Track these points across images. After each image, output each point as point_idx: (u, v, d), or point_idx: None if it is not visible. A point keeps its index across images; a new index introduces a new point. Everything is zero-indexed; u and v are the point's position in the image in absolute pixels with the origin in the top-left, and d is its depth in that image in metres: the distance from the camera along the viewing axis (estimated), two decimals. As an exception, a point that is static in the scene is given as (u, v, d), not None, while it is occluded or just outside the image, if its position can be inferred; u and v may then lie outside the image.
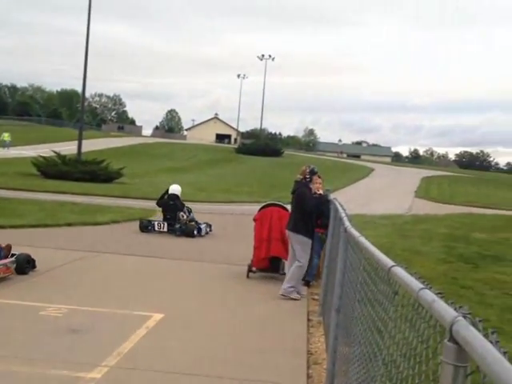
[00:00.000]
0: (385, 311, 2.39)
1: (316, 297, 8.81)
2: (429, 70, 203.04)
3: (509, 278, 10.58)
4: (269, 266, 10.03)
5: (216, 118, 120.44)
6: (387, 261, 2.25)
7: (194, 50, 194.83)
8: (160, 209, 15.12)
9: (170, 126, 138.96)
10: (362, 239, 3.19)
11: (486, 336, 1.21)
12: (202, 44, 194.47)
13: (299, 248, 8.73)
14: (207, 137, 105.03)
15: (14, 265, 8.59)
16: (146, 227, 14.60)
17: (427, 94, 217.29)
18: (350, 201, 32.25)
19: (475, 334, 1.20)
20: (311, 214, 8.80)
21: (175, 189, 15.06)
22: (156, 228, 14.58)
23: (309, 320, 7.53)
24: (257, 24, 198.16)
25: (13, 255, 8.72)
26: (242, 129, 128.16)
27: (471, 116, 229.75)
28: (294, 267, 8.66)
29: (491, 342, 1.17)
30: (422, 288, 1.61)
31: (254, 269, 10.01)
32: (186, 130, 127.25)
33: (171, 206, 14.78)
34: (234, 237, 15.37)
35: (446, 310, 1.38)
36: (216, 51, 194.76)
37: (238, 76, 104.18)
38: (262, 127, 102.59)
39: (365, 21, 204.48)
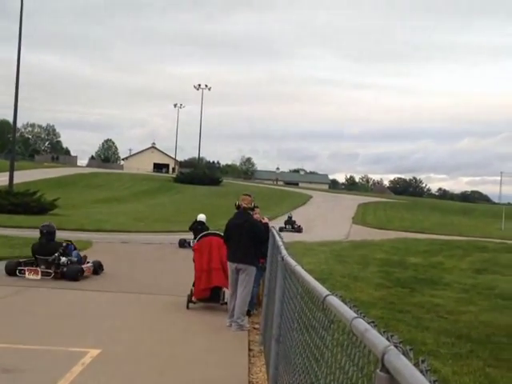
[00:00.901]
0: (321, 340, 2.40)
1: (257, 326, 8.76)
2: (362, 98, 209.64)
3: (443, 301, 10.89)
4: (209, 296, 9.92)
5: (153, 147, 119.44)
6: (322, 290, 2.26)
7: (131, 80, 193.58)
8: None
9: (107, 155, 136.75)
10: (299, 268, 3.20)
11: (416, 364, 1.23)
12: (138, 74, 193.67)
13: (247, 279, 8.62)
14: (145, 166, 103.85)
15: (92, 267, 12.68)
16: None
17: (363, 122, 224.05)
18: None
19: (405, 363, 1.21)
20: (262, 243, 8.71)
21: (202, 217, 19.22)
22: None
23: (250, 350, 7.47)
24: (193, 53, 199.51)
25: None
26: (181, 158, 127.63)
27: (404, 144, 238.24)
28: (242, 299, 8.54)
29: (422, 371, 1.19)
30: (356, 317, 1.63)
31: (194, 299, 9.88)
32: (123, 159, 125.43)
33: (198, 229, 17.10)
34: (174, 266, 15.15)
35: (378, 339, 1.39)
36: (152, 81, 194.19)
37: (175, 105, 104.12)
38: (201, 156, 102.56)
39: (298, 51, 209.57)
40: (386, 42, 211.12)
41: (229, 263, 8.79)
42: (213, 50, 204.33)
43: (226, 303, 9.80)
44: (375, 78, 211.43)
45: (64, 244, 12.41)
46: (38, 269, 11.82)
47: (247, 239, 8.57)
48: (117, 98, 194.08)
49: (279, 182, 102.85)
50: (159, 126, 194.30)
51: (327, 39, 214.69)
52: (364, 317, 1.69)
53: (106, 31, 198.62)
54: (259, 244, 8.70)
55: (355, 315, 1.65)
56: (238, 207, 8.94)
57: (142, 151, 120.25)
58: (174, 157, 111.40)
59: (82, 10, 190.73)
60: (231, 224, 8.85)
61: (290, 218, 34.40)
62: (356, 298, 11.87)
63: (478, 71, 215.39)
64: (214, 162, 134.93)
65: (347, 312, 1.74)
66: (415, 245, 24.55)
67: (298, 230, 32.87)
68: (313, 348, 2.62)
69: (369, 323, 1.57)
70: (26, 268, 11.83)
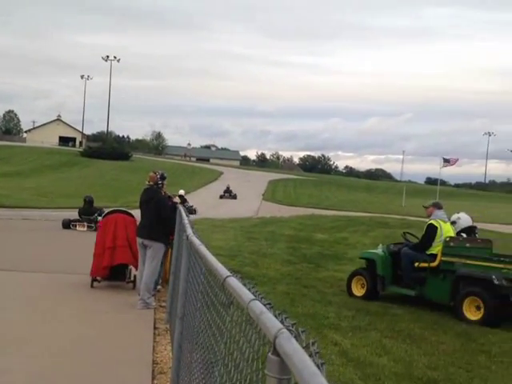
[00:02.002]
0: (222, 320, 2.40)
1: (163, 304, 8.71)
2: (275, 75, 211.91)
3: (346, 275, 11.29)
4: (110, 274, 9.70)
5: (59, 119, 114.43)
6: (223, 270, 2.26)
7: (34, 48, 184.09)
8: None
9: (8, 127, 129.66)
10: (202, 248, 3.18)
11: (307, 347, 1.25)
12: (43, 42, 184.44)
13: (153, 255, 8.62)
14: (49, 139, 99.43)
15: None
16: None
17: (275, 99, 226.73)
18: (199, 204, 32.48)
19: (295, 347, 1.22)
20: (170, 221, 8.76)
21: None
22: None
23: (155, 328, 7.42)
24: (101, 24, 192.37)
25: None
26: (89, 131, 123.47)
27: (315, 122, 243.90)
28: (147, 276, 8.50)
29: (311, 354, 1.20)
30: (253, 299, 1.63)
31: (98, 278, 9.65)
32: (26, 132, 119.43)
33: None
34: (78, 244, 14.71)
35: (271, 323, 1.40)
36: (58, 50, 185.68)
37: (82, 77, 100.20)
38: (110, 130, 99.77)
39: (212, 26, 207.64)
40: (301, 21, 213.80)
41: (137, 238, 8.89)
42: (124, 22, 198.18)
43: (133, 281, 9.68)
44: (288, 55, 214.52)
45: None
46: (85, 223, 18.15)
47: (153, 215, 8.68)
48: (19, 66, 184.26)
49: (192, 158, 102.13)
50: (66, 98, 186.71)
51: (243, 15, 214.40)
52: (262, 298, 1.69)
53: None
54: (165, 221, 8.72)
55: (252, 297, 1.65)
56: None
57: (47, 124, 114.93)
58: (81, 130, 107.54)
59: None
60: (140, 200, 9.02)
61: (228, 187, 43.65)
62: (263, 274, 12.08)
63: (387, 53, 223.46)
64: (123, 137, 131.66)
65: (245, 294, 1.74)
66: (322, 221, 25.27)
67: (235, 197, 42.09)
68: (214, 328, 2.62)
69: (265, 305, 1.57)
70: (76, 223, 18.31)
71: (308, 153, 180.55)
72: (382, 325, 8.36)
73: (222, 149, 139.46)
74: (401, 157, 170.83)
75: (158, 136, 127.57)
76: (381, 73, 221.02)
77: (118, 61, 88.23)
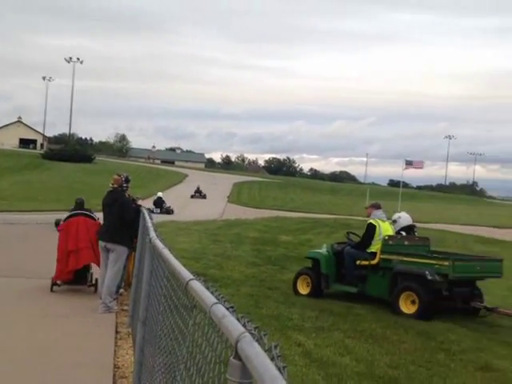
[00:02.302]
0: (185, 324, 2.37)
1: (126, 307, 8.59)
2: (241, 79, 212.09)
3: (309, 277, 11.34)
4: (74, 278, 9.54)
5: (19, 121, 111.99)
6: (186, 274, 2.23)
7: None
8: None
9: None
10: (165, 251, 3.15)
11: (269, 350, 1.24)
12: (3, 43, 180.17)
13: (116, 259, 8.54)
14: (9, 141, 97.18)
15: None
16: None
17: (241, 102, 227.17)
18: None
19: (257, 350, 1.21)
20: (134, 224, 8.66)
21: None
22: None
23: (117, 332, 7.32)
24: (64, 26, 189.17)
25: None
26: (51, 134, 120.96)
27: (280, 124, 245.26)
28: (109, 280, 8.40)
29: (273, 357, 1.19)
30: (215, 303, 1.61)
31: (58, 282, 9.47)
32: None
33: None
34: (38, 248, 14.40)
35: (233, 326, 1.38)
36: (20, 51, 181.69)
37: (44, 78, 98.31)
38: (73, 132, 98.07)
39: (178, 29, 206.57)
40: (267, 25, 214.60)
41: (99, 242, 8.77)
42: (88, 23, 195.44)
43: (94, 285, 9.53)
44: (255, 59, 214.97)
45: None
46: None
47: (117, 218, 8.61)
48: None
49: (156, 161, 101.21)
50: (27, 100, 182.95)
51: (209, 19, 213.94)
52: (225, 301, 1.68)
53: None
54: (129, 224, 8.65)
55: (215, 301, 1.63)
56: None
57: (7, 125, 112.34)
58: (42, 132, 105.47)
59: None
60: (103, 203, 8.93)
61: (198, 188, 45.54)
62: (228, 276, 12.05)
63: (352, 57, 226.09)
64: (86, 139, 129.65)
65: (208, 297, 1.72)
66: (287, 223, 25.39)
67: (204, 197, 43.98)
68: (176, 332, 2.59)
69: (228, 308, 1.55)
70: None
71: (273, 155, 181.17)
72: (345, 325, 8.43)
73: (187, 151, 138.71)
74: (364, 159, 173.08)
75: (122, 138, 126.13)
76: (345, 77, 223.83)
77: (82, 62, 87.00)
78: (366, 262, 10.26)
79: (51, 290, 9.30)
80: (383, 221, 10.66)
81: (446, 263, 9.53)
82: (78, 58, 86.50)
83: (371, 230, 10.42)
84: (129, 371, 5.66)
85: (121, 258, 8.58)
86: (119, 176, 9.00)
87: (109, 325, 7.59)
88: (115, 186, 8.84)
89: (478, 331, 8.86)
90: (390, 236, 10.42)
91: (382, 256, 10.15)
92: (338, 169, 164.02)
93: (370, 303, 10.10)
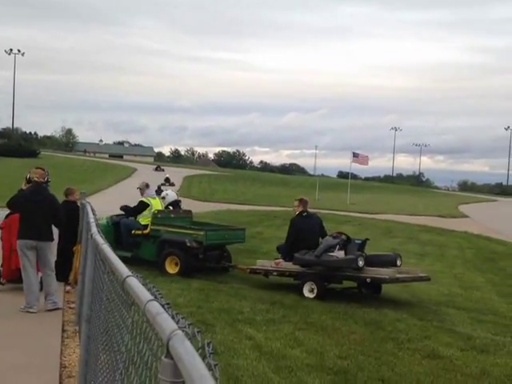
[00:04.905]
0: (124, 322, 2.31)
1: (73, 305, 8.39)
2: (193, 71, 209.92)
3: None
4: (19, 276, 9.24)
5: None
6: (124, 270, 2.17)
7: None
8: None
9: None
10: (105, 247, 3.06)
11: (202, 348, 1.20)
12: None
13: (50, 254, 8.37)
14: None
15: None
16: None
17: (194, 95, 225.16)
18: (112, 202, 31.61)
19: (187, 349, 1.17)
20: (58, 220, 8.54)
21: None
22: None
23: (64, 331, 7.13)
24: (6, 16, 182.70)
25: None
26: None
27: (233, 117, 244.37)
28: (51, 277, 8.18)
29: (206, 355, 1.15)
30: (150, 300, 1.56)
31: (2, 281, 9.18)
32: None
33: None
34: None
35: (166, 324, 1.34)
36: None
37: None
38: (16, 126, 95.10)
39: (127, 21, 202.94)
40: (218, 17, 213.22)
41: (27, 241, 8.14)
42: (28, 14, 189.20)
43: (40, 283, 9.26)
44: (207, 51, 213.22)
45: None
46: None
47: (48, 216, 8.27)
48: None
49: (91, 154, 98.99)
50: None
51: (158, 9, 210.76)
52: (162, 298, 1.63)
53: None
54: (57, 221, 8.56)
55: (150, 298, 1.58)
56: (29, 181, 8.47)
57: None
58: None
59: None
60: (29, 199, 8.25)
61: (167, 178, 47.95)
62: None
63: (304, 50, 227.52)
64: (31, 133, 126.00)
65: (143, 294, 1.67)
66: (237, 216, 25.36)
67: (173, 184, 45.24)
68: (116, 330, 2.52)
69: (163, 305, 1.51)
70: None
71: (225, 148, 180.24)
72: (295, 317, 8.49)
73: (136, 145, 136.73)
74: (315, 151, 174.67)
75: (68, 132, 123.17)
76: (298, 70, 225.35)
77: (23, 54, 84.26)
78: (139, 232, 12.08)
79: (-5, 290, 9.01)
80: (153, 198, 12.81)
81: (202, 233, 11.60)
82: (19, 50, 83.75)
83: (143, 205, 12.40)
84: (76, 370, 5.51)
85: (53, 253, 8.55)
86: (43, 170, 8.68)
87: (55, 323, 7.40)
88: (40, 179, 8.42)
89: (425, 320, 9.07)
90: (159, 210, 12.40)
91: (152, 227, 11.98)
92: (288, 161, 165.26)
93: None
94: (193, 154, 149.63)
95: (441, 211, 37.41)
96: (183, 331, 1.27)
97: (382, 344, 7.45)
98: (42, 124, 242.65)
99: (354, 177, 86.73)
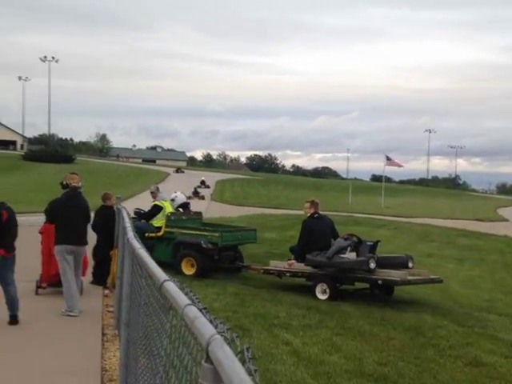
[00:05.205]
0: (163, 326, 2.33)
1: (111, 309, 8.50)
2: (224, 75, 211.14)
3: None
4: (59, 280, 9.41)
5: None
6: (161, 275, 2.19)
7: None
8: None
9: None
10: (142, 251, 3.09)
11: (241, 353, 1.20)
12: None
13: (82, 259, 8.58)
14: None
15: None
16: None
17: (224, 99, 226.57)
18: (146, 206, 32.01)
19: (227, 353, 1.17)
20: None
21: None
22: None
23: (104, 334, 7.22)
24: (39, 24, 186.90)
25: None
26: (31, 134, 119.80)
27: (263, 121, 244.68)
28: (84, 280, 8.36)
29: (245, 360, 1.15)
30: (188, 304, 1.57)
31: (43, 285, 9.35)
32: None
33: None
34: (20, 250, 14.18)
35: (204, 329, 1.34)
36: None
37: (20, 78, 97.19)
38: (53, 133, 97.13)
39: (158, 26, 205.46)
40: (248, 21, 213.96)
41: (68, 246, 8.29)
42: (64, 21, 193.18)
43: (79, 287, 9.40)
44: (237, 55, 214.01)
45: None
46: None
47: (85, 221, 8.59)
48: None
49: (124, 159, 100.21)
50: (5, 101, 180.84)
51: (187, 15, 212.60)
52: (199, 302, 1.64)
53: None
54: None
55: (188, 302, 1.59)
56: (66, 186, 8.58)
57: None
58: (21, 133, 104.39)
59: None
60: (68, 204, 8.41)
61: (203, 180, 50.77)
62: (213, 275, 12.01)
63: (334, 53, 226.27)
64: (66, 139, 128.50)
65: (181, 299, 1.68)
66: (270, 220, 25.36)
67: (208, 186, 49.27)
68: (155, 334, 2.54)
69: (201, 310, 1.51)
70: None
71: (255, 152, 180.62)
72: (332, 322, 8.41)
73: (168, 150, 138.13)
74: (347, 154, 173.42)
75: (103, 138, 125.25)
76: (327, 72, 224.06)
77: (57, 61, 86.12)
78: (153, 234, 12.23)
79: (36, 293, 9.19)
80: (165, 201, 12.99)
81: (216, 234, 11.78)
82: (53, 57, 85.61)
83: (156, 209, 12.55)
84: (116, 374, 5.58)
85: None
86: (77, 175, 8.83)
87: (95, 327, 7.50)
88: (76, 185, 8.58)
89: (466, 326, 8.88)
90: (172, 213, 12.65)
91: (166, 229, 12.18)
92: (320, 165, 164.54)
93: (356, 300, 10.10)
94: (225, 158, 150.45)
95: (479, 215, 36.71)
96: (222, 336, 1.27)
97: (423, 350, 7.32)
98: (77, 130, 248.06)
99: (388, 180, 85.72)
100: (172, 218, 12.46)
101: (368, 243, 10.79)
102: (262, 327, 7.73)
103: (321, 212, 11.80)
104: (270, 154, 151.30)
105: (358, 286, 11.01)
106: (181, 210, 13.56)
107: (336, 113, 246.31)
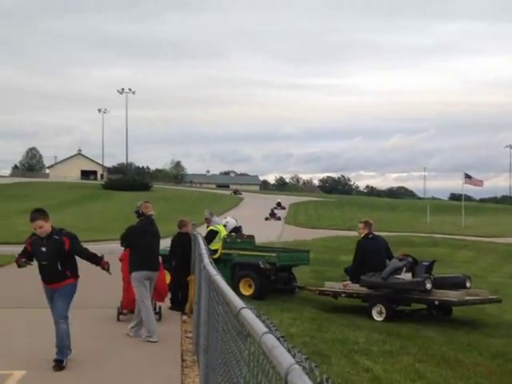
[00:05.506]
0: (241, 353, 2.32)
1: (190, 335, 8.59)
2: (295, 98, 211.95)
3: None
4: None
5: (80, 154, 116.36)
6: (238, 302, 2.19)
7: (53, 84, 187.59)
8: None
9: (31, 164, 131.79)
10: (218, 278, 3.12)
11: (321, 383, 1.17)
12: (61, 78, 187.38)
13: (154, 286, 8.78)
14: (71, 174, 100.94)
15: None
16: None
17: (296, 122, 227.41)
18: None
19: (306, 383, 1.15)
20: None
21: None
22: None
23: (183, 360, 7.29)
24: (114, 58, 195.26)
25: None
26: (110, 164, 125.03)
27: (336, 142, 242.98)
28: (163, 306, 8.50)
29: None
30: (266, 332, 1.56)
31: (124, 311, 9.59)
32: (48, 167, 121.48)
33: None
34: (100, 278, 14.68)
35: (282, 358, 1.33)
36: (76, 86, 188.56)
37: (99, 111, 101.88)
38: (130, 162, 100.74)
39: (226, 54, 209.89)
40: (315, 43, 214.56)
41: (145, 272, 8.42)
42: (139, 53, 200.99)
43: (158, 313, 9.57)
44: (308, 78, 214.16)
45: None
46: None
47: (158, 247, 8.88)
48: (39, 104, 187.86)
49: (196, 184, 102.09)
50: (86, 132, 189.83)
51: (257, 41, 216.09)
52: (276, 330, 1.62)
53: (26, 34, 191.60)
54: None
55: (265, 330, 1.58)
56: (143, 214, 8.77)
57: (68, 158, 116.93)
58: (101, 163, 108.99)
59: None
60: (145, 232, 8.63)
61: (279, 203, 53.68)
62: (289, 299, 11.96)
63: (406, 70, 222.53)
64: (143, 168, 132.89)
65: (258, 326, 1.67)
66: (345, 242, 24.98)
67: (283, 208, 52.08)
68: (232, 360, 2.54)
69: (279, 338, 1.50)
70: None
71: (329, 174, 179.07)
72: (414, 348, 8.12)
73: (242, 174, 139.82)
74: (424, 173, 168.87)
75: (177, 165, 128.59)
76: (400, 90, 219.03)
77: (134, 93, 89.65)
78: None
79: (118, 320, 9.43)
80: (220, 225, 13.42)
81: (274, 254, 12.21)
82: (130, 89, 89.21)
83: (213, 234, 12.88)
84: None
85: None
86: (150, 203, 9.06)
87: (174, 352, 7.58)
88: (150, 213, 8.80)
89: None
90: (227, 236, 13.08)
91: (223, 251, 12.49)
92: (396, 184, 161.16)
93: (438, 325, 9.74)
94: (297, 180, 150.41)
95: None
96: (300, 365, 1.25)
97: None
98: (153, 158, 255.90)
99: (468, 198, 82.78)
100: (228, 240, 12.87)
101: (424, 263, 10.68)
102: (340, 353, 7.57)
103: (376, 232, 11.89)
104: (342, 176, 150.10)
105: (414, 307, 10.86)
106: (233, 234, 13.94)
107: (411, 131, 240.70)
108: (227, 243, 12.67)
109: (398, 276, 10.22)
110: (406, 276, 10.22)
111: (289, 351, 1.39)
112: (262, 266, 11.86)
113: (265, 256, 12.19)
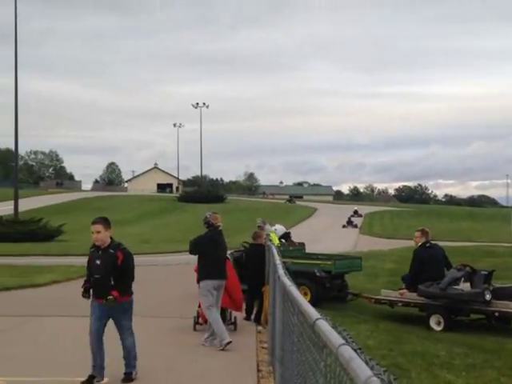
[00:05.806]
0: (317, 365, 2.30)
1: (265, 345, 8.60)
2: (368, 108, 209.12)
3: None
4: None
5: (156, 167, 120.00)
6: (313, 313, 2.17)
7: (132, 101, 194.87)
8: None
9: (111, 178, 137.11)
10: (293, 288, 3.11)
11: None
12: (139, 95, 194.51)
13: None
14: (148, 187, 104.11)
15: None
16: None
17: (369, 131, 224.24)
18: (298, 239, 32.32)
19: (386, 398, 1.12)
20: None
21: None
22: None
23: (259, 371, 7.30)
24: (192, 72, 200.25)
25: None
26: (185, 177, 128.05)
27: (412, 151, 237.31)
28: (239, 317, 8.57)
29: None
30: (342, 344, 1.54)
31: (200, 321, 9.74)
32: (126, 181, 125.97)
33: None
34: (178, 288, 15.00)
35: (360, 370, 1.30)
36: (154, 102, 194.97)
37: (175, 125, 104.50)
38: (204, 174, 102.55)
39: (297, 64, 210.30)
40: (387, 51, 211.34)
41: (213, 281, 8.55)
42: (212, 68, 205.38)
43: (233, 323, 9.67)
44: (380, 87, 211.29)
45: None
46: None
47: (225, 257, 9.07)
48: (119, 120, 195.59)
49: (269, 196, 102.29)
50: (163, 147, 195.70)
51: (328, 51, 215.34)
52: (353, 341, 1.60)
53: (105, 55, 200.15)
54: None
55: (342, 342, 1.56)
56: (212, 225, 8.85)
57: (145, 172, 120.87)
58: (177, 176, 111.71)
59: (79, 35, 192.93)
60: (216, 242, 8.80)
61: (356, 211, 54.13)
62: (366, 311, 11.75)
63: (484, 75, 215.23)
64: (217, 180, 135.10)
65: (335, 338, 1.65)
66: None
67: (360, 215, 52.99)
68: (309, 371, 2.52)
69: (356, 350, 1.47)
70: None
71: (406, 183, 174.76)
72: (498, 362, 7.78)
73: (315, 185, 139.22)
74: (507, 181, 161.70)
75: (250, 176, 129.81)
76: (478, 95, 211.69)
77: (207, 107, 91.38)
78: None
79: (194, 329, 9.58)
80: (272, 233, 13.12)
81: (330, 262, 12.29)
82: (204, 103, 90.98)
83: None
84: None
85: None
86: (218, 214, 9.17)
87: (250, 363, 7.61)
88: (219, 224, 8.92)
89: None
90: (280, 244, 12.90)
91: None
92: (476, 193, 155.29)
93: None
94: (372, 190, 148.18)
95: None
96: (379, 378, 1.22)
97: None
98: (227, 170, 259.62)
99: (556, 205, 78.39)
100: (281, 248, 12.56)
101: (483, 272, 10.42)
102: (420, 367, 7.35)
103: (433, 241, 11.59)
104: (419, 184, 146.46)
105: (473, 317, 10.60)
106: (283, 240, 14.02)
107: (493, 137, 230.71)
108: (280, 251, 12.67)
109: (457, 286, 10.05)
110: (465, 286, 10.06)
111: (366, 363, 1.37)
112: (317, 274, 11.99)
113: (320, 264, 12.31)
